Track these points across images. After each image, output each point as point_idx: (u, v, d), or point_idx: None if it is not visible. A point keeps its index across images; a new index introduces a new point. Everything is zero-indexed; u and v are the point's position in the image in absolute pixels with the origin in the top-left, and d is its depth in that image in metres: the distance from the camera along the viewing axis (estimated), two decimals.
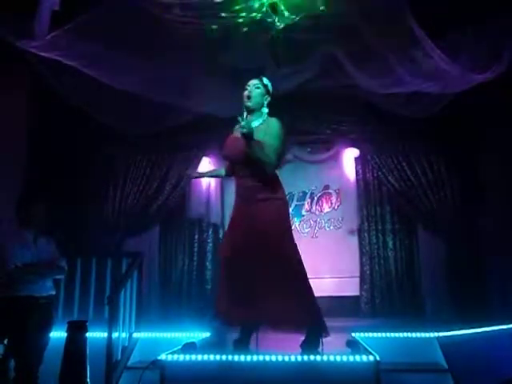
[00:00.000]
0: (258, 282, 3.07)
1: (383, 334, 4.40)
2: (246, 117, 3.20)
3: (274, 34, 4.16)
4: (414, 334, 4.37)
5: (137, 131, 5.73)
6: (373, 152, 6.43)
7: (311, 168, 6.98)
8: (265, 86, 3.31)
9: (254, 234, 3.11)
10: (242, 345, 3.20)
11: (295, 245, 3.20)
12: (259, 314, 3.09)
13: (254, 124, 3.19)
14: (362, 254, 6.56)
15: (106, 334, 3.97)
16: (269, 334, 3.38)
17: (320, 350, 3.06)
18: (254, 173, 3.16)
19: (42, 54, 3.92)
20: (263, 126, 3.22)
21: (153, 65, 4.49)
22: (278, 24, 4.00)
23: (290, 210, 6.85)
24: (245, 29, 4.02)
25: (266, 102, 3.31)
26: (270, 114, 3.34)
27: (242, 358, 2.95)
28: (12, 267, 3.44)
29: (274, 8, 3.90)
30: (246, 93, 3.26)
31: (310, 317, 3.10)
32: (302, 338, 3.12)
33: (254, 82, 3.30)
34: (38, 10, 3.47)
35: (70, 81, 4.42)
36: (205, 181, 7.00)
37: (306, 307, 3.11)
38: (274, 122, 3.22)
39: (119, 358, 4.17)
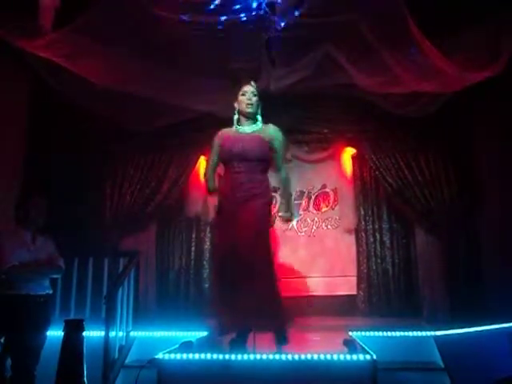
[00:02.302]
0: (243, 280, 3.12)
1: (380, 333, 4.42)
2: (238, 121, 3.44)
3: (271, 34, 4.16)
4: (410, 333, 4.39)
5: (135, 129, 5.73)
6: (370, 151, 6.43)
7: (308, 167, 6.97)
8: (258, 92, 3.46)
9: (243, 230, 3.18)
10: (238, 344, 3.22)
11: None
12: (244, 315, 3.14)
13: (251, 129, 3.41)
14: (359, 253, 6.56)
15: (103, 333, 3.98)
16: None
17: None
18: (251, 169, 3.30)
19: (41, 54, 3.91)
20: (264, 131, 3.41)
21: (151, 64, 4.49)
22: (276, 23, 3.99)
23: None
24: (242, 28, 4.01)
25: (259, 109, 3.48)
26: (267, 114, 3.42)
27: (239, 357, 2.96)
28: (9, 266, 3.44)
29: (272, 7, 3.90)
30: (244, 99, 3.39)
31: (285, 316, 3.28)
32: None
33: (251, 89, 3.43)
34: (39, 9, 3.47)
35: (68, 79, 4.42)
36: (202, 179, 7.02)
37: (280, 306, 3.24)
38: (280, 133, 3.47)
39: (116, 356, 4.17)
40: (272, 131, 3.44)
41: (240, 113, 3.45)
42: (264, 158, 3.37)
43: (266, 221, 3.35)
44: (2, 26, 3.70)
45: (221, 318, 3.22)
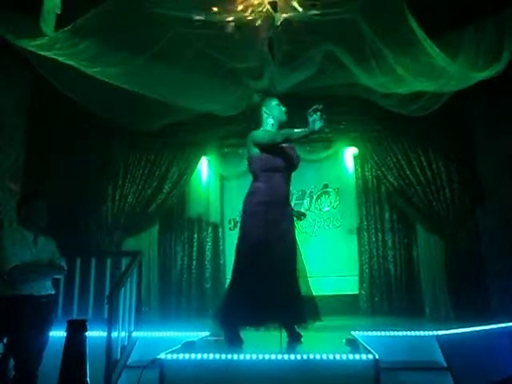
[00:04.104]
0: (279, 278, 3.32)
1: (382, 333, 4.40)
2: (273, 126, 3.67)
3: (273, 33, 4.15)
4: (413, 333, 4.37)
5: (136, 129, 5.73)
6: (372, 151, 6.43)
7: (310, 167, 6.93)
8: None
9: (285, 234, 3.46)
10: (239, 340, 3.31)
11: None
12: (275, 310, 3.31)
13: None
14: (361, 252, 6.57)
15: (105, 334, 3.97)
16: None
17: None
18: (289, 178, 3.62)
19: (41, 53, 3.91)
20: None
21: (153, 64, 4.48)
22: (278, 22, 3.98)
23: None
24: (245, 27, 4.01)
25: None
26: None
27: (241, 357, 2.96)
28: (12, 266, 3.44)
29: (274, 6, 3.89)
30: (282, 109, 3.72)
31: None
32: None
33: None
34: (41, 13, 3.47)
35: (69, 79, 4.42)
36: (204, 180, 7.02)
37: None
38: None
39: (119, 357, 4.16)
40: None
41: (275, 119, 3.68)
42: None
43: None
44: (2, 25, 3.71)
45: (247, 310, 3.28)
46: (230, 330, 3.39)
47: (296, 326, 3.44)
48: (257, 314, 3.26)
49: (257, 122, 3.74)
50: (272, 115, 3.67)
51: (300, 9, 3.80)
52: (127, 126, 5.59)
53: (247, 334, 3.45)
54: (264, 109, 3.69)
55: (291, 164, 3.60)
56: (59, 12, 3.57)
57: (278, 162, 3.51)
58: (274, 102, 3.71)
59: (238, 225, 3.79)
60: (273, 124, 3.67)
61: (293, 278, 3.43)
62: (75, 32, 3.79)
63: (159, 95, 4.91)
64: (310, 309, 3.46)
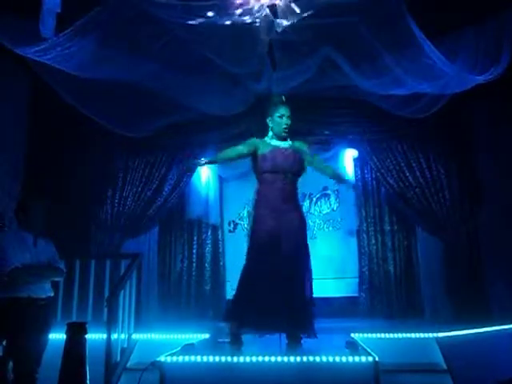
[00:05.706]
0: (280, 285, 3.33)
1: (382, 335, 4.41)
2: (272, 137, 3.64)
3: (272, 37, 4.16)
4: (412, 335, 4.38)
5: (135, 132, 5.73)
6: (371, 153, 6.42)
7: (310, 169, 6.95)
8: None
9: (290, 238, 3.44)
10: (237, 344, 3.31)
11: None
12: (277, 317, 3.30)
13: (285, 144, 3.64)
14: (360, 254, 6.55)
15: (105, 336, 3.97)
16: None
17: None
18: (293, 181, 3.60)
19: (40, 59, 3.91)
20: (295, 145, 3.68)
21: (152, 65, 4.49)
22: (277, 26, 3.99)
23: None
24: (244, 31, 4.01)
25: None
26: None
27: (241, 359, 2.96)
28: (11, 268, 3.44)
29: (273, 10, 3.90)
30: (282, 123, 3.58)
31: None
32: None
33: (287, 113, 3.60)
34: (41, 14, 3.46)
35: (67, 82, 4.42)
36: (204, 181, 7.02)
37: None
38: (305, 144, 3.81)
39: (118, 359, 4.17)
40: (298, 144, 3.70)
41: (274, 131, 3.63)
42: (299, 172, 3.66)
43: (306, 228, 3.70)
44: (2, 31, 3.71)
45: (249, 315, 3.30)
46: (232, 331, 3.38)
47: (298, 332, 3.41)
48: (259, 319, 3.24)
49: (264, 127, 3.74)
50: (271, 127, 3.66)
51: (298, 10, 3.78)
52: (126, 130, 5.59)
53: (247, 336, 3.45)
54: (268, 119, 3.66)
55: (288, 168, 3.59)
56: (59, 11, 3.54)
57: (284, 162, 3.51)
58: (277, 115, 3.60)
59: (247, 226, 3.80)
60: (272, 136, 3.65)
61: (299, 282, 3.42)
62: (75, 34, 3.79)
63: (159, 95, 4.91)
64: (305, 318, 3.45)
